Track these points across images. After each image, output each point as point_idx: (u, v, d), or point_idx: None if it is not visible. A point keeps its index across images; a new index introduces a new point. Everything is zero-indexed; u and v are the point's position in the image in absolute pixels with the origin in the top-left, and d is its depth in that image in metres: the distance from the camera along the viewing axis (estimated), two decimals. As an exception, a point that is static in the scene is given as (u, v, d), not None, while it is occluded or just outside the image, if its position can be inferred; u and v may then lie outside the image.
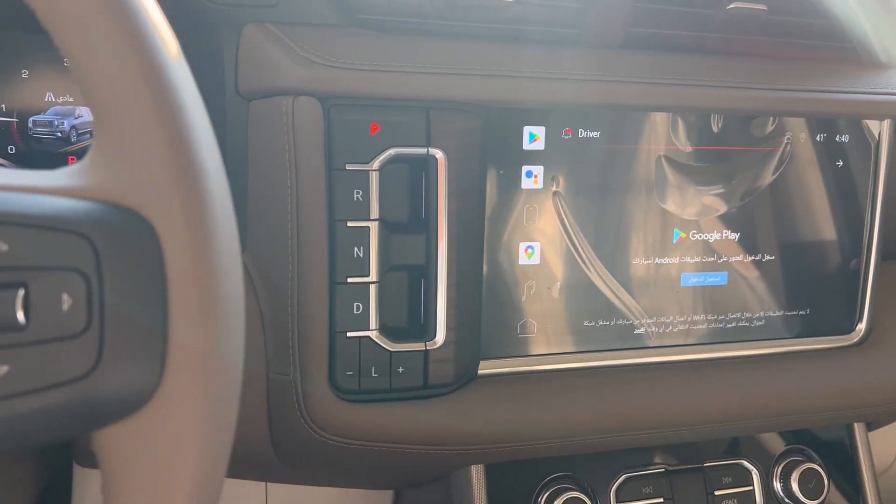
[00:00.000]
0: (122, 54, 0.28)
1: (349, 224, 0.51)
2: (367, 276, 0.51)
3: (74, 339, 0.27)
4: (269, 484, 0.71)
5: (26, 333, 0.27)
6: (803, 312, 0.64)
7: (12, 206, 0.27)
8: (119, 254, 0.28)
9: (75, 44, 0.28)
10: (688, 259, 0.61)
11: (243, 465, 0.56)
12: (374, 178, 0.51)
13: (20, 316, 0.27)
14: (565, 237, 0.57)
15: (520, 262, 0.57)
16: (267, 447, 0.55)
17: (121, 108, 0.28)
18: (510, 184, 0.55)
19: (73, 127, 0.61)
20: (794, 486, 0.65)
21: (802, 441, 0.69)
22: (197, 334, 0.28)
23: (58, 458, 0.69)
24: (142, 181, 0.28)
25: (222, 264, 0.29)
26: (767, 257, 0.63)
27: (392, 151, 0.51)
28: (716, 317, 0.62)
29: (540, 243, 0.57)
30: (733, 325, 0.63)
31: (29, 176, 0.29)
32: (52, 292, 0.27)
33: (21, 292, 0.27)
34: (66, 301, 0.27)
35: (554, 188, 0.56)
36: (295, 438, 0.53)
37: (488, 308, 0.56)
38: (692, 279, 0.61)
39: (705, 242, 0.61)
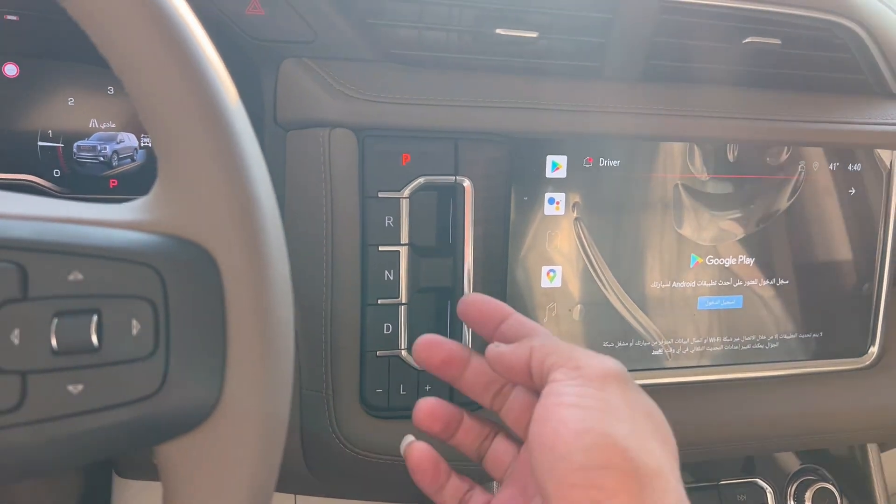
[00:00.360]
0: (187, 99, 0.31)
1: (381, 248, 0.53)
2: (397, 298, 0.54)
3: (143, 362, 0.30)
4: (297, 496, 0.74)
5: (99, 355, 0.29)
6: (817, 335, 0.66)
7: (86, 239, 0.30)
8: (183, 283, 0.30)
9: (144, 89, 0.31)
10: (704, 283, 0.63)
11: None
12: (405, 205, 0.53)
13: (94, 339, 0.29)
14: (585, 261, 0.60)
15: (542, 285, 0.59)
16: (299, 460, 0.57)
17: (184, 148, 0.31)
18: (533, 210, 0.58)
19: (115, 152, 0.64)
20: (808, 505, 0.67)
21: (816, 461, 0.71)
22: (253, 357, 0.31)
23: (97, 467, 0.72)
24: (204, 216, 0.31)
25: (276, 292, 0.31)
26: (782, 281, 0.65)
27: (422, 180, 0.53)
28: (731, 339, 0.64)
29: (561, 267, 0.59)
30: (748, 347, 0.65)
31: (98, 210, 0.32)
32: (123, 318, 0.30)
33: (95, 318, 0.29)
34: (136, 326, 0.30)
35: (575, 214, 0.59)
36: (326, 452, 0.56)
37: (511, 329, 0.58)
38: (708, 303, 0.63)
39: (721, 267, 0.63)
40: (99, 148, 0.64)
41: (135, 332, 0.30)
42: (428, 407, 0.46)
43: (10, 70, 0.59)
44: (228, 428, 0.31)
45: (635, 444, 0.36)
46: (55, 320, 0.29)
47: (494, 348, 0.44)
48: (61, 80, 0.61)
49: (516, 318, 0.46)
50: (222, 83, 0.32)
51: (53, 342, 0.29)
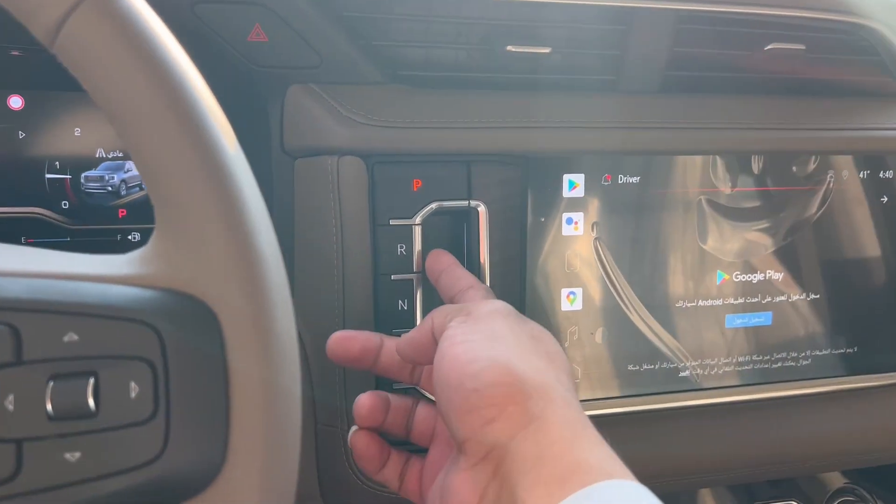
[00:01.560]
0: (184, 150, 0.29)
1: (393, 277, 0.52)
2: (412, 328, 0.52)
3: (142, 426, 0.28)
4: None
5: (96, 420, 0.28)
6: (851, 350, 0.64)
7: (81, 297, 0.29)
8: (183, 341, 0.29)
9: (137, 139, 0.29)
10: (731, 300, 0.60)
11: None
12: (417, 232, 0.52)
13: (91, 403, 0.28)
14: (607, 282, 0.57)
15: (562, 308, 0.57)
16: (316, 495, 0.56)
17: (182, 198, 0.29)
18: (550, 231, 0.56)
19: (123, 181, 0.63)
20: (847, 528, 0.64)
21: (854, 480, 0.68)
22: (257, 420, 0.29)
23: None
24: (203, 270, 0.29)
25: (281, 351, 0.30)
26: (813, 296, 0.62)
27: (434, 205, 0.52)
28: (762, 357, 0.62)
29: (582, 289, 0.57)
30: (779, 364, 0.62)
31: (94, 263, 0.30)
32: (121, 381, 0.28)
33: (91, 381, 0.28)
34: (134, 389, 0.28)
35: (594, 234, 0.57)
36: (342, 487, 0.54)
37: (532, 355, 0.56)
38: (737, 320, 0.61)
39: (749, 283, 0.61)
40: (107, 178, 0.63)
41: (133, 395, 0.28)
42: (368, 403, 0.48)
43: (16, 102, 0.58)
44: (235, 491, 0.29)
45: (519, 361, 0.39)
46: (50, 384, 0.28)
47: (400, 339, 0.47)
48: (67, 110, 0.60)
49: (451, 269, 0.51)
50: (221, 131, 0.30)
51: (49, 407, 0.28)
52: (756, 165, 0.59)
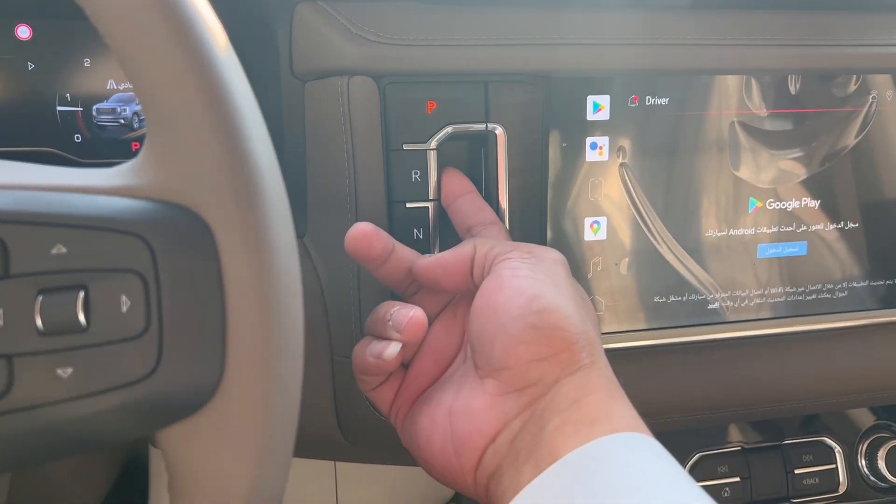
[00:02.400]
0: (170, 51, 0.27)
1: (408, 205, 0.50)
2: (429, 257, 0.50)
3: (134, 341, 0.27)
4: (337, 463, 0.72)
5: (87, 336, 0.27)
6: (889, 282, 0.61)
7: (69, 209, 0.27)
8: (175, 253, 0.27)
9: (123, 42, 0.28)
10: (764, 229, 0.58)
11: (313, 445, 0.56)
12: (433, 158, 0.49)
13: (81, 318, 0.27)
14: (633, 210, 0.55)
15: (585, 238, 0.55)
16: (334, 428, 0.55)
17: (171, 105, 0.28)
18: (574, 157, 0.53)
19: (135, 113, 0.62)
20: (882, 465, 0.62)
21: (890, 416, 0.66)
22: (255, 332, 0.28)
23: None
24: (195, 179, 0.28)
25: (278, 260, 0.28)
26: (850, 225, 0.59)
27: (450, 129, 0.49)
28: (795, 289, 0.59)
29: (606, 218, 0.55)
30: (814, 297, 0.59)
31: (83, 175, 0.29)
32: (111, 294, 0.27)
33: (81, 294, 0.27)
34: (125, 303, 0.27)
35: (620, 159, 0.54)
36: (359, 420, 0.53)
37: (553, 286, 0.54)
38: (769, 250, 0.58)
39: (783, 211, 0.58)
40: (118, 110, 0.61)
41: (125, 309, 0.27)
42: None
43: (23, 32, 0.57)
44: (233, 409, 0.28)
45: (577, 317, 0.40)
46: (39, 298, 0.27)
47: (427, 258, 0.46)
48: (76, 40, 0.58)
49: (471, 197, 0.50)
50: (210, 31, 0.28)
51: (39, 322, 0.27)
52: (793, 86, 0.56)
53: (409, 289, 0.48)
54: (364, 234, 0.45)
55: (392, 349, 0.43)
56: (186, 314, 0.27)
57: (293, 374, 0.29)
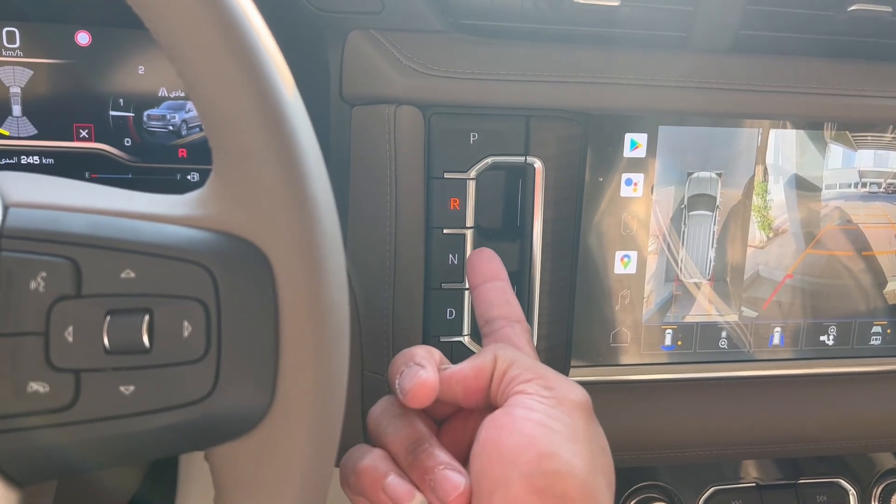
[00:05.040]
0: (242, 92, 0.29)
1: (445, 231, 0.51)
2: (462, 283, 0.52)
3: (194, 364, 0.29)
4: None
5: (150, 357, 0.29)
6: (915, 330, 0.61)
7: (139, 236, 0.29)
8: (236, 283, 0.29)
9: (198, 80, 0.29)
10: (794, 271, 0.58)
11: (339, 458, 0.58)
12: (471, 187, 0.51)
13: (145, 340, 0.28)
14: (663, 246, 0.56)
15: (615, 271, 0.56)
16: (361, 440, 0.57)
17: (240, 143, 0.29)
18: (609, 192, 0.55)
19: (184, 121, 0.64)
20: (894, 510, 0.63)
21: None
22: (306, 362, 0.30)
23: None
24: (258, 214, 0.30)
25: (332, 295, 0.30)
26: (886, 274, 0.60)
27: (490, 160, 0.51)
28: (822, 330, 0.60)
29: (637, 252, 0.56)
30: (840, 339, 0.60)
31: (150, 202, 0.31)
32: (175, 319, 0.29)
33: (146, 318, 0.29)
34: (187, 328, 0.29)
35: (654, 197, 0.55)
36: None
37: (581, 316, 0.56)
38: (798, 290, 0.59)
39: (814, 255, 0.58)
40: (168, 117, 0.64)
41: (186, 334, 0.29)
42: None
43: (83, 38, 0.59)
44: (281, 433, 0.30)
45: (591, 480, 0.37)
46: (107, 318, 0.28)
47: (446, 372, 0.42)
48: (132, 48, 0.60)
49: (501, 285, 0.47)
50: (280, 75, 0.30)
51: (105, 341, 0.28)
52: (828, 134, 0.57)
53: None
54: (427, 387, 0.40)
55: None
56: (243, 342, 0.29)
57: (337, 402, 0.31)
